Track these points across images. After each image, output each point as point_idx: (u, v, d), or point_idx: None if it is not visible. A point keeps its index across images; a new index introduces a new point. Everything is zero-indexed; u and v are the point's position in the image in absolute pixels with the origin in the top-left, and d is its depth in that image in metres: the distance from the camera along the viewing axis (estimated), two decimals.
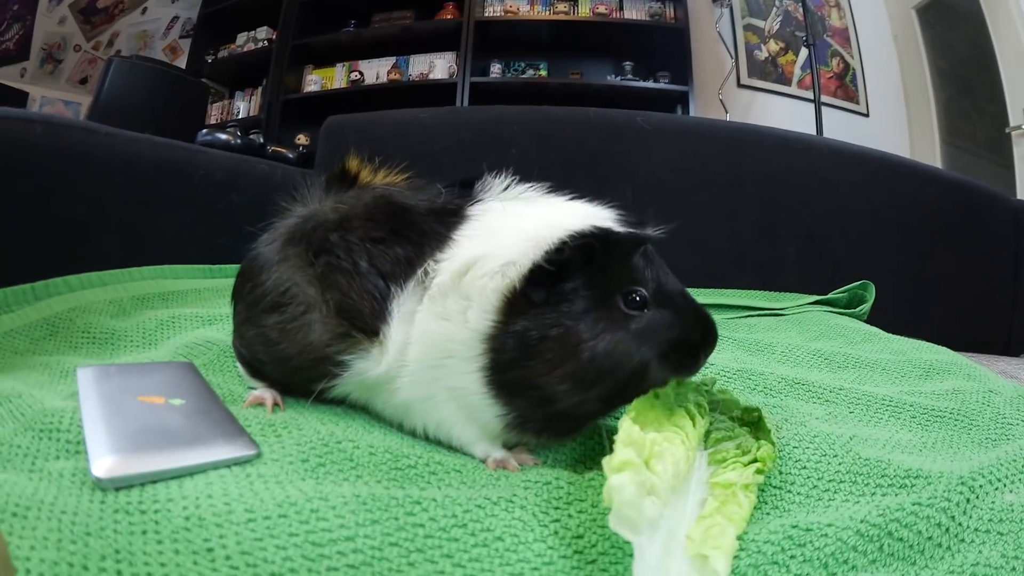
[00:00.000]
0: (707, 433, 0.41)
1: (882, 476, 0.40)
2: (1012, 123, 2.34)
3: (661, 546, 0.29)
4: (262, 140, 1.91)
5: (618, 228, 0.42)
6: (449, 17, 3.11)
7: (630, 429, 0.34)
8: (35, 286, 0.70)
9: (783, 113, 2.78)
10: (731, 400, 0.46)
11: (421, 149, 1.29)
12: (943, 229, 1.38)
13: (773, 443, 0.40)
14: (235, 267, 0.52)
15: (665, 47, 2.94)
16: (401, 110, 1.41)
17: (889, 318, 1.03)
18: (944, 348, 0.79)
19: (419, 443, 0.42)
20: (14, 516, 0.29)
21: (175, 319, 0.68)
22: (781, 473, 0.40)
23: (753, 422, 0.44)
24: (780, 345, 0.78)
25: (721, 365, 0.64)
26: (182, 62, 3.58)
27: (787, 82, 2.86)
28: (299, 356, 0.44)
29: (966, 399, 0.56)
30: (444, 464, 0.39)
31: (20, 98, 3.32)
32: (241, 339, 0.49)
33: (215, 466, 0.35)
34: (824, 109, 2.47)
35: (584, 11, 3.02)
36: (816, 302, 1.13)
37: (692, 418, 0.40)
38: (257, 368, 0.48)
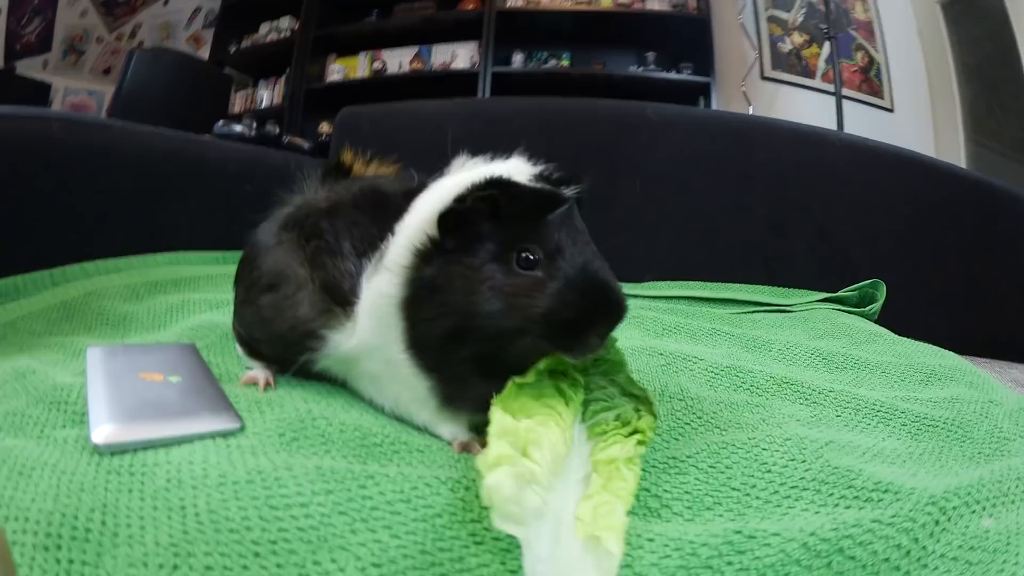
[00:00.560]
0: (585, 403, 0.39)
1: (848, 487, 0.37)
2: None
3: (550, 534, 0.29)
4: (278, 131, 1.94)
5: (528, 183, 0.39)
6: (471, 7, 3.11)
7: (502, 419, 0.33)
8: (53, 272, 0.74)
9: (807, 107, 2.72)
10: (617, 362, 0.43)
11: (433, 139, 1.30)
12: (961, 229, 1.33)
13: (654, 414, 0.38)
14: None
15: (688, 38, 2.91)
16: (414, 101, 1.43)
17: (902, 319, 1.00)
18: (951, 353, 0.74)
19: (392, 423, 0.44)
20: (20, 475, 0.33)
21: (184, 303, 0.71)
22: (743, 475, 0.38)
23: (635, 395, 0.41)
24: (779, 342, 0.76)
25: (710, 361, 0.63)
26: (205, 52, 3.61)
27: (811, 75, 2.80)
28: (290, 332, 0.46)
29: (963, 409, 0.53)
30: (409, 444, 0.40)
31: (43, 90, 3.30)
32: (240, 320, 0.52)
33: (200, 437, 0.38)
34: (848, 103, 2.41)
35: (606, 1, 2.99)
36: (825, 299, 1.10)
37: (564, 395, 0.38)
38: (253, 347, 0.51)
